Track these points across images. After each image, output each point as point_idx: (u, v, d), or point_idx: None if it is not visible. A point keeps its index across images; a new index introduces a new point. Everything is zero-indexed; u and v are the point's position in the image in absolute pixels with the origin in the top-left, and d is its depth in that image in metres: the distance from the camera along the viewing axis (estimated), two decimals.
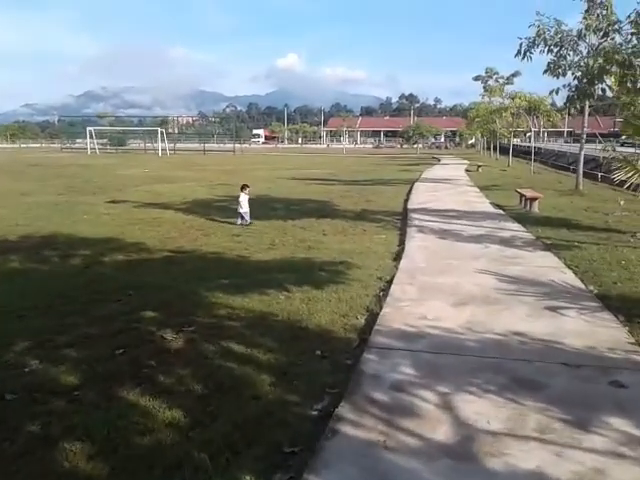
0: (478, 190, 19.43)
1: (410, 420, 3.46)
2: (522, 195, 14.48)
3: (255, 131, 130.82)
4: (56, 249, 9.14)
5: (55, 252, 8.92)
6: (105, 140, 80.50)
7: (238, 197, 12.33)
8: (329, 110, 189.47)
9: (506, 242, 9.42)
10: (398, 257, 8.46)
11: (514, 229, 10.86)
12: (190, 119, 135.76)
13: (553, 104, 36.76)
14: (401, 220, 12.52)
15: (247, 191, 12.45)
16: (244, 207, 12.10)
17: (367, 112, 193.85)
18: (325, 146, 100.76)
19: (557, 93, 15.42)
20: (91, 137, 64.54)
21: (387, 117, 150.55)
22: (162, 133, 62.99)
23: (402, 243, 9.57)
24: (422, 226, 11.28)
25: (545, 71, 16.93)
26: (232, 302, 6.13)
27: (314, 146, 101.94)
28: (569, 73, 16.25)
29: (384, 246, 9.47)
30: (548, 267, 7.59)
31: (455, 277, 7.04)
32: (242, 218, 12.00)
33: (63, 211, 13.91)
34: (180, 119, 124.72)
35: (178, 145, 79.34)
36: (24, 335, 5.12)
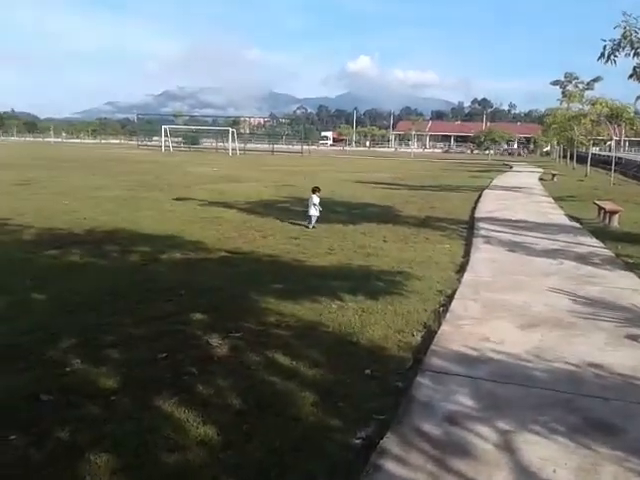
0: (552, 200, 18.39)
1: (463, 461, 3.06)
2: (601, 208, 13.50)
3: (323, 133, 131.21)
4: (118, 244, 9.24)
5: (116, 247, 9.01)
6: (179, 138, 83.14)
7: (310, 199, 12.07)
8: (399, 114, 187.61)
9: (582, 259, 8.70)
10: (462, 269, 7.97)
11: (591, 244, 10.07)
12: (261, 120, 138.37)
13: (637, 112, 34.59)
14: (467, 229, 11.93)
15: (318, 194, 12.15)
16: (312, 210, 11.82)
17: (437, 116, 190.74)
18: (393, 150, 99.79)
19: None
20: (166, 135, 66.68)
21: (458, 122, 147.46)
22: (233, 133, 64.24)
23: (467, 254, 9.05)
24: (489, 237, 10.68)
25: (631, 76, 15.68)
26: (282, 308, 5.89)
27: (382, 149, 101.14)
28: None
29: (447, 256, 8.98)
30: (630, 289, 6.89)
31: (524, 295, 6.49)
32: (310, 220, 11.76)
33: (130, 206, 14.20)
34: (252, 120, 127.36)
35: (248, 145, 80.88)
36: (71, 331, 5.07)
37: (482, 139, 72.40)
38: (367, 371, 4.34)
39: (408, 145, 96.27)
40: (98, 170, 27.87)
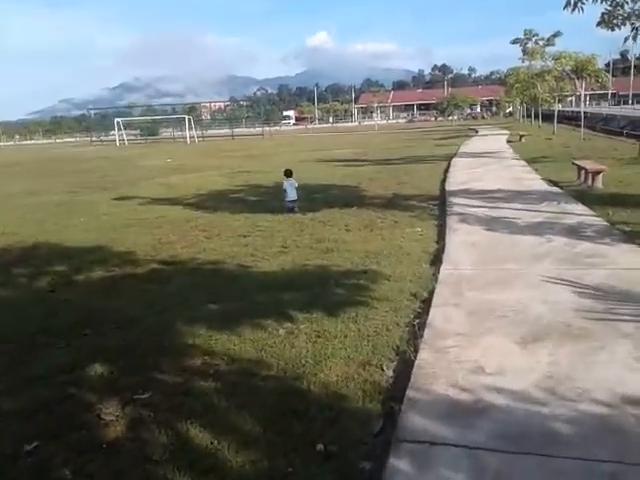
0: (525, 164, 17.26)
1: None
2: (581, 168, 12.37)
3: (285, 113, 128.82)
4: (30, 265, 7.72)
5: (27, 269, 7.49)
6: (137, 131, 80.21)
7: (286, 185, 11.15)
8: (360, 87, 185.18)
9: (573, 232, 7.51)
10: (437, 260, 6.69)
11: (579, 212, 8.91)
12: (222, 104, 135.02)
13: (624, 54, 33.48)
14: (439, 206, 10.66)
15: (292, 177, 11.41)
16: (290, 195, 11.02)
17: (399, 86, 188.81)
18: (356, 124, 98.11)
19: (634, 40, 12.83)
20: (119, 129, 63.95)
21: (420, 90, 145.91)
22: (190, 120, 61.95)
23: (442, 238, 7.78)
24: (464, 213, 9.43)
25: (599, 23, 14.56)
26: (214, 343, 4.54)
27: (346, 124, 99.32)
28: (628, 24, 14.02)
29: (419, 243, 7.70)
30: None
31: (516, 291, 5.25)
32: (292, 208, 10.95)
33: (61, 213, 12.59)
34: (213, 105, 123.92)
35: (209, 132, 78.48)
36: None
37: (445, 105, 71.35)
38: (319, 446, 3.03)
39: (372, 118, 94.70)
40: (40, 173, 25.88)
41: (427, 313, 4.84)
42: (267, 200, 12.82)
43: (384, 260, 6.84)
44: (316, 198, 12.72)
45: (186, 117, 62.80)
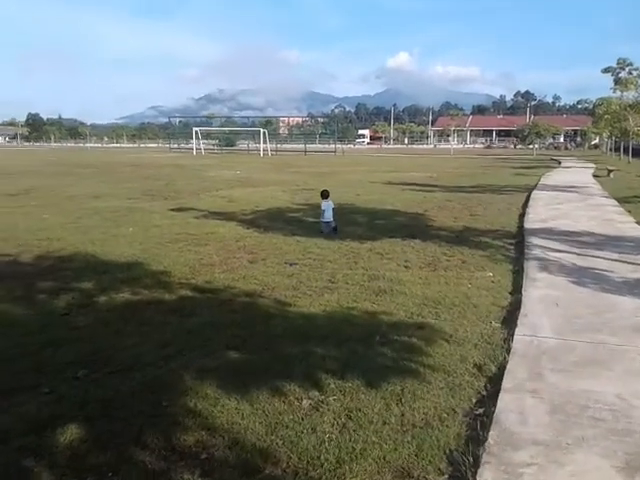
0: (616, 203, 15.48)
1: None
2: None
3: (360, 131, 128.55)
4: (58, 279, 7.14)
5: (52, 284, 6.90)
6: (216, 141, 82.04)
7: (324, 206, 10.91)
8: (438, 109, 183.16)
9: None
10: (511, 319, 5.51)
11: None
12: (299, 120, 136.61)
13: None
14: (515, 246, 9.37)
15: (329, 198, 11.13)
16: (327, 216, 10.77)
17: (479, 111, 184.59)
18: (432, 146, 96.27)
19: None
20: (197, 138, 65.43)
21: (500, 116, 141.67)
22: (265, 133, 62.45)
23: (518, 290, 6.54)
24: (546, 259, 8.12)
25: None
26: (218, 412, 3.64)
27: (420, 146, 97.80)
28: None
29: (490, 293, 6.51)
30: None
31: (615, 379, 4.02)
32: (328, 227, 10.69)
33: (114, 221, 12.21)
34: (290, 120, 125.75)
35: (284, 145, 79.28)
36: None
37: (526, 133, 68.41)
38: None
39: (448, 141, 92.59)
40: (111, 176, 26.29)
41: (495, 400, 3.72)
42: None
43: (445, 312, 5.74)
44: (378, 225, 11.69)
45: (261, 130, 63.38)
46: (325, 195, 11.19)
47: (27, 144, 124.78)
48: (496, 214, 13.45)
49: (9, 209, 14.07)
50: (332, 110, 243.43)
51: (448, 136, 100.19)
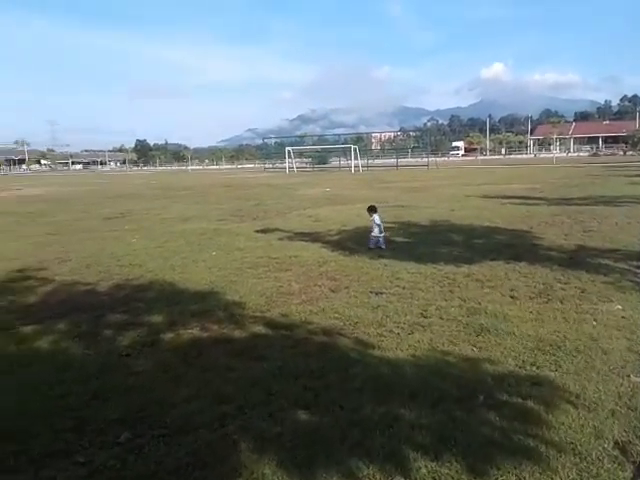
0: None
1: None
2: None
3: (454, 143, 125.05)
4: (129, 311, 6.71)
5: (122, 317, 6.49)
6: (309, 159, 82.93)
7: (371, 221, 10.72)
8: (537, 118, 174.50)
9: None
10: None
11: None
12: (391, 135, 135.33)
13: None
14: None
15: (374, 213, 10.83)
16: (376, 231, 10.53)
17: (582, 117, 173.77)
18: (532, 156, 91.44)
19: None
20: (290, 157, 66.30)
21: (606, 122, 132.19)
22: (355, 150, 62.10)
23: None
24: None
25: None
26: None
27: (519, 156, 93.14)
28: None
29: (622, 333, 5.27)
30: None
31: None
32: (377, 242, 10.51)
33: (200, 244, 11.93)
34: (382, 135, 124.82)
35: (376, 161, 78.53)
36: None
37: (636, 139, 63.01)
38: None
39: (549, 150, 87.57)
40: (205, 198, 26.69)
41: None
42: (415, 243, 10.93)
43: (567, 360, 4.61)
44: (476, 245, 10.52)
45: (352, 147, 63.07)
46: (373, 209, 10.96)
47: (135, 168, 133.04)
48: (614, 230, 11.78)
49: (101, 233, 14.30)
50: (424, 123, 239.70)
51: (549, 145, 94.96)
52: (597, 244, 10.10)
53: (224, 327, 5.96)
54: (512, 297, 6.72)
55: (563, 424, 3.52)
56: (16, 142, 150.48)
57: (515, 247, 10.07)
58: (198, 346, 5.39)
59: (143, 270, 9.23)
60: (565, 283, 7.30)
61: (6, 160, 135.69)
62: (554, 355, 4.74)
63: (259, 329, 5.87)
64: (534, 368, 4.48)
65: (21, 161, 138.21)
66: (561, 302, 6.42)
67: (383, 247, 10.41)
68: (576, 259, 8.82)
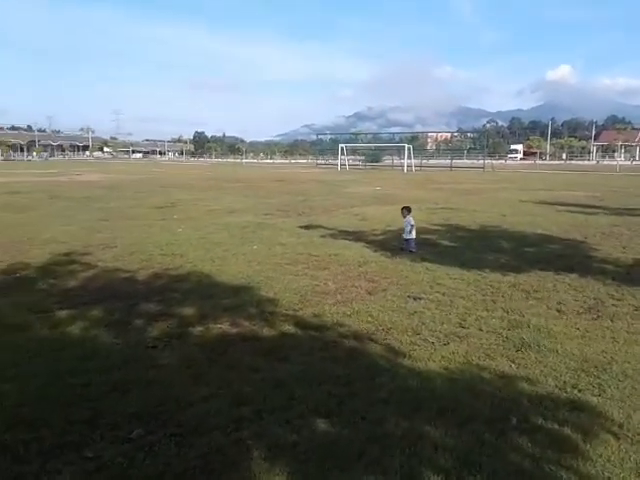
0: None
1: None
2: None
3: (513, 146, 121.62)
4: (163, 301, 6.71)
5: (155, 307, 6.48)
6: (363, 157, 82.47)
7: (406, 224, 10.41)
8: (603, 123, 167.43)
9: None
10: None
11: None
12: (448, 135, 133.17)
13: None
14: None
15: (408, 214, 10.57)
16: (408, 233, 10.24)
17: None
18: (594, 162, 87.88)
19: None
20: (342, 154, 66.02)
21: None
22: (409, 149, 61.22)
23: None
24: None
25: None
26: None
27: (580, 162, 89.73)
28: None
29: None
30: None
31: None
32: (408, 244, 10.18)
33: (242, 237, 11.93)
34: (439, 135, 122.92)
35: (430, 161, 77.26)
36: None
37: None
38: None
39: (613, 157, 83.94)
40: (255, 191, 26.83)
41: None
42: (461, 248, 10.55)
43: (612, 385, 4.25)
44: (526, 253, 10.06)
45: (406, 145, 62.20)
46: (408, 210, 10.73)
47: (192, 159, 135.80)
48: None
49: (150, 221, 14.53)
50: (483, 125, 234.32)
51: (614, 152, 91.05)
52: None
53: (254, 324, 5.86)
54: (559, 311, 6.33)
55: (601, 456, 3.22)
56: (81, 129, 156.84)
57: (567, 258, 9.56)
58: (225, 342, 5.30)
59: (183, 260, 9.28)
60: (618, 300, 6.84)
61: (71, 146, 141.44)
62: (599, 378, 4.39)
63: (289, 328, 5.74)
64: (575, 391, 4.15)
65: (85, 148, 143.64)
66: (612, 320, 5.99)
67: (414, 250, 10.04)
68: (633, 274, 8.27)
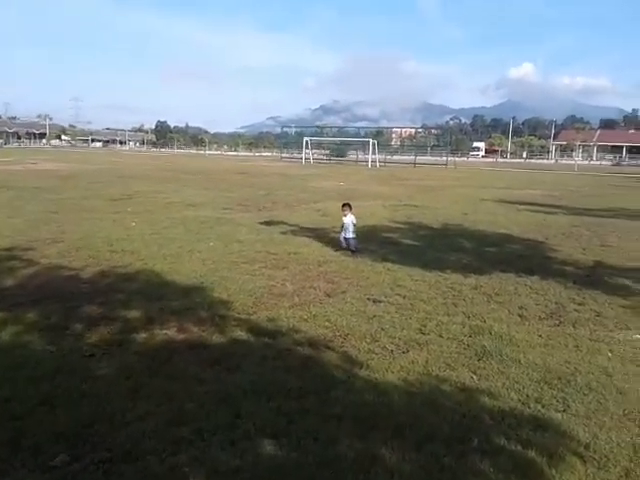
0: None
1: None
2: None
3: (475, 144, 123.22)
4: (107, 303, 6.26)
5: (98, 309, 6.03)
6: (327, 151, 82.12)
7: (345, 221, 9.84)
8: (562, 122, 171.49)
9: None
10: None
11: None
12: (412, 131, 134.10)
13: None
14: None
15: (349, 212, 9.89)
16: (348, 232, 9.73)
17: (607, 125, 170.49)
18: (553, 162, 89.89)
19: None
20: (307, 148, 65.56)
21: (632, 130, 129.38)
22: (374, 145, 61.23)
23: None
24: None
25: None
26: None
27: (540, 161, 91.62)
28: None
29: (639, 370, 4.72)
30: None
31: None
32: (348, 245, 9.70)
33: (199, 232, 11.47)
34: (403, 131, 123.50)
35: (394, 157, 77.53)
36: None
37: None
38: None
39: (571, 157, 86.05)
40: (216, 184, 26.20)
41: None
42: (423, 247, 10.37)
43: (577, 399, 4.07)
44: (487, 253, 9.95)
45: (370, 141, 62.20)
46: (348, 207, 10.03)
47: (154, 150, 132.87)
48: (636, 246, 11.12)
49: (103, 214, 13.90)
50: (447, 122, 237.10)
51: (572, 151, 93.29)
52: (617, 261, 9.49)
53: (203, 329, 5.49)
54: (520, 316, 6.17)
55: None
56: (39, 116, 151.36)
57: (528, 259, 9.49)
58: (170, 350, 4.92)
59: (134, 258, 8.80)
60: (579, 304, 6.73)
61: (27, 133, 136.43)
62: (562, 391, 4.20)
63: (241, 334, 5.39)
64: (539, 406, 3.94)
65: (42, 135, 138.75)
66: (574, 326, 5.86)
67: (355, 249, 9.60)
68: (593, 277, 8.23)
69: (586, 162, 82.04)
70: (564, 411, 3.87)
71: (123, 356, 4.75)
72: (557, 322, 6.00)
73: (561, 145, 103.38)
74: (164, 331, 5.40)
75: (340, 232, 9.91)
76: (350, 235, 9.75)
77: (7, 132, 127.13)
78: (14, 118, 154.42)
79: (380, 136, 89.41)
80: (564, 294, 7.17)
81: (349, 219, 9.82)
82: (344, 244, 9.75)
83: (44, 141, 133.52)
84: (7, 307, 5.96)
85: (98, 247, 9.50)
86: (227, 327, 5.58)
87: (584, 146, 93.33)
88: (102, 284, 7.16)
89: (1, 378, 4.18)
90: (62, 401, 3.86)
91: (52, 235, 10.56)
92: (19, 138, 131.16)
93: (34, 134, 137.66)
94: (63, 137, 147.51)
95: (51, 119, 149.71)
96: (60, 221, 12.47)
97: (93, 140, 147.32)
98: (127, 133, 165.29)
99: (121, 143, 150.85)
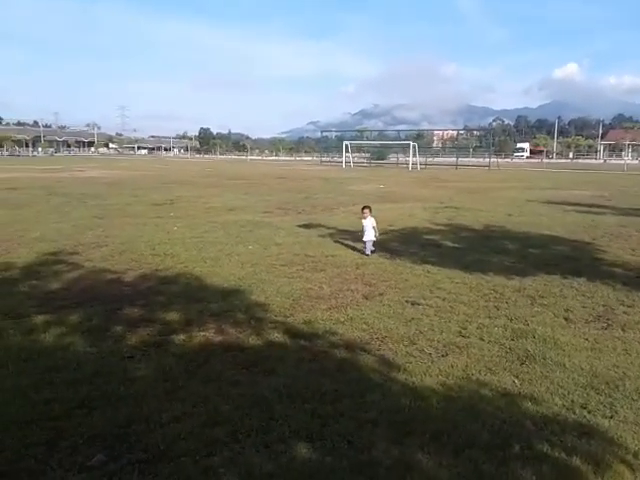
0: None
1: None
2: None
3: (519, 145, 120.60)
4: (147, 305, 6.35)
5: (139, 311, 6.14)
6: (368, 154, 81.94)
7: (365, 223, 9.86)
8: (610, 122, 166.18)
9: None
10: None
11: None
12: (454, 133, 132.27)
13: None
14: None
15: (369, 214, 9.96)
16: (368, 235, 9.67)
17: None
18: (601, 161, 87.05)
19: None
20: (347, 151, 65.51)
21: None
22: (415, 147, 60.66)
23: None
24: None
25: None
26: None
27: (587, 161, 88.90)
28: None
29: None
30: None
31: None
32: (365, 247, 9.69)
33: (238, 236, 11.56)
34: (445, 133, 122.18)
35: (435, 159, 76.64)
36: None
37: None
38: None
39: (620, 156, 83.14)
40: (257, 188, 26.45)
41: None
42: (464, 249, 10.17)
43: (625, 406, 3.87)
44: (531, 255, 9.66)
45: (411, 143, 61.63)
46: (369, 209, 10.15)
47: (198, 156, 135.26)
48: None
49: (146, 219, 14.19)
50: (490, 123, 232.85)
51: (620, 151, 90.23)
52: None
53: (240, 332, 5.50)
54: (566, 319, 5.94)
55: None
56: (87, 125, 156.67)
57: (575, 260, 9.17)
58: (206, 352, 4.94)
59: (174, 261, 8.94)
60: (629, 306, 6.44)
61: (76, 142, 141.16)
62: (610, 397, 4.00)
63: (277, 337, 5.38)
64: (585, 412, 3.77)
65: (90, 144, 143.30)
66: (623, 330, 5.61)
67: (369, 253, 9.55)
68: None
69: (636, 162, 79.10)
70: (611, 417, 3.69)
71: (161, 358, 4.80)
72: (605, 325, 5.76)
73: (609, 145, 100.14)
74: (202, 333, 5.44)
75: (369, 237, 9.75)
76: (369, 237, 9.65)
77: (57, 141, 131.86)
78: (64, 127, 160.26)
79: (421, 138, 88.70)
80: (612, 296, 6.88)
81: (369, 222, 9.75)
82: (369, 248, 9.66)
83: (92, 149, 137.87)
84: (52, 310, 6.13)
85: (140, 251, 9.69)
86: (264, 329, 5.57)
87: (634, 145, 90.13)
88: (143, 287, 7.29)
89: (42, 380, 4.28)
90: (100, 403, 3.92)
91: (96, 239, 10.84)
92: (69, 146, 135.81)
93: (83, 142, 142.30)
94: (110, 145, 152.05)
95: (99, 128, 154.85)
96: (104, 226, 12.80)
97: (139, 148, 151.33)
98: (172, 140, 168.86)
99: (166, 150, 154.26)
